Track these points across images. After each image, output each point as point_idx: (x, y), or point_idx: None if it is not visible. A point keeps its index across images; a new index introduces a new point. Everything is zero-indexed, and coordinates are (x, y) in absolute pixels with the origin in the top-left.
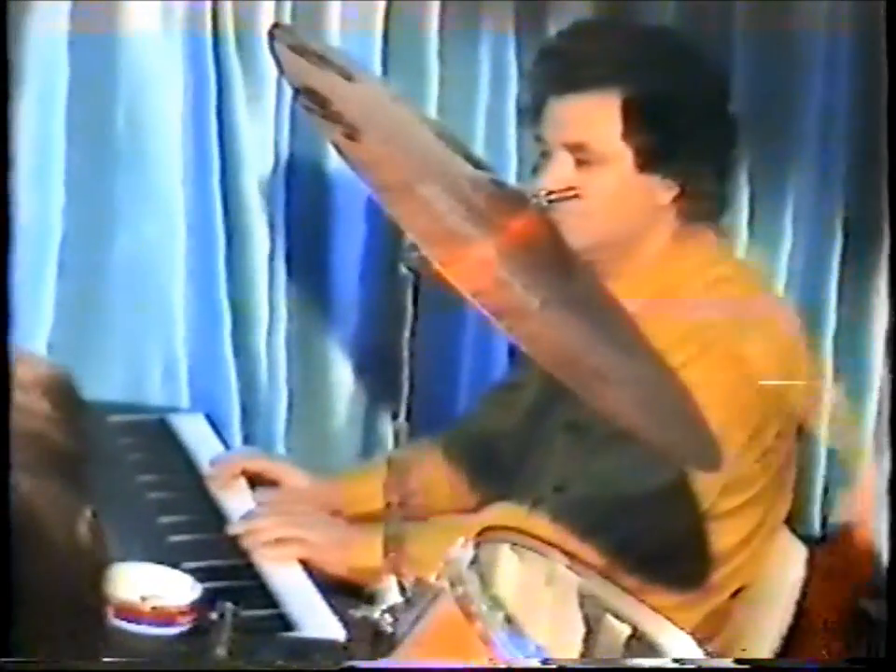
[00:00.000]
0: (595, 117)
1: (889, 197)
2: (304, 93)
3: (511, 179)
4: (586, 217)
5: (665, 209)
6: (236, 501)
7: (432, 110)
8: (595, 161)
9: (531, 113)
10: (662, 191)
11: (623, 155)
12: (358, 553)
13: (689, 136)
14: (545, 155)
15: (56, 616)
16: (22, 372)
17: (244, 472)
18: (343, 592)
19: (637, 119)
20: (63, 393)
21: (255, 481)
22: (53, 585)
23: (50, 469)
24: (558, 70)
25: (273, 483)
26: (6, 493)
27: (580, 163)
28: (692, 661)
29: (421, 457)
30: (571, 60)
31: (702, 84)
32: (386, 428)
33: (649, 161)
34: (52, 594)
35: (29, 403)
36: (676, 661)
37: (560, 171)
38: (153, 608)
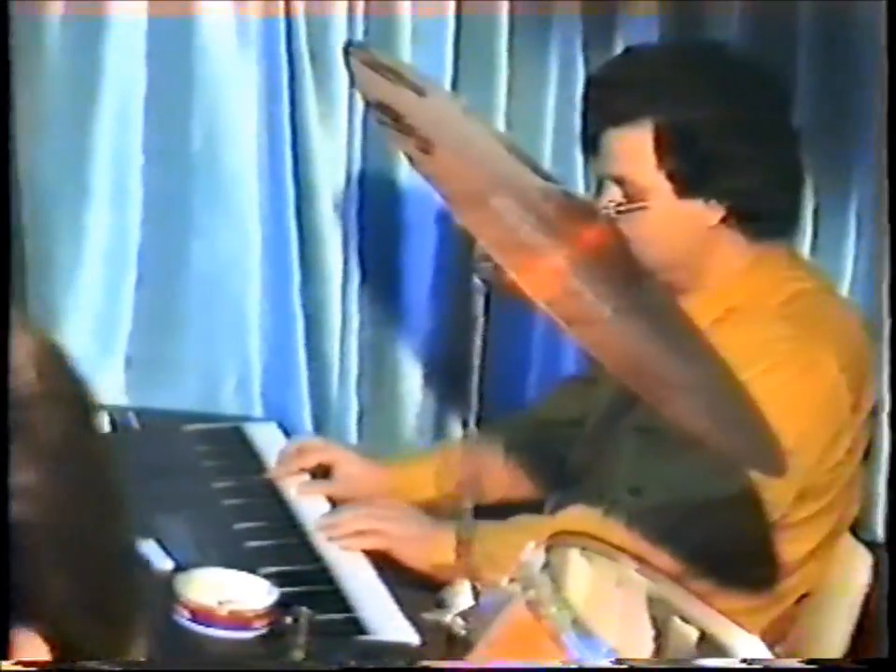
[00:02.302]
0: (630, 151)
1: (890, 197)
2: (378, 108)
3: (579, 191)
4: (641, 243)
5: (720, 229)
6: (310, 505)
7: (501, 124)
8: (636, 194)
9: (588, 141)
10: (708, 213)
11: (661, 185)
12: (438, 549)
13: (730, 156)
14: (599, 183)
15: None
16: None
17: (303, 462)
18: (417, 591)
19: (669, 146)
20: (56, 347)
21: (314, 471)
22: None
23: (87, 417)
24: (600, 102)
25: (328, 470)
26: (5, 492)
27: (626, 195)
28: (759, 661)
29: (479, 448)
30: (610, 91)
31: (753, 100)
32: (456, 434)
33: (685, 187)
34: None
35: (45, 372)
36: (743, 661)
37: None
38: (230, 612)
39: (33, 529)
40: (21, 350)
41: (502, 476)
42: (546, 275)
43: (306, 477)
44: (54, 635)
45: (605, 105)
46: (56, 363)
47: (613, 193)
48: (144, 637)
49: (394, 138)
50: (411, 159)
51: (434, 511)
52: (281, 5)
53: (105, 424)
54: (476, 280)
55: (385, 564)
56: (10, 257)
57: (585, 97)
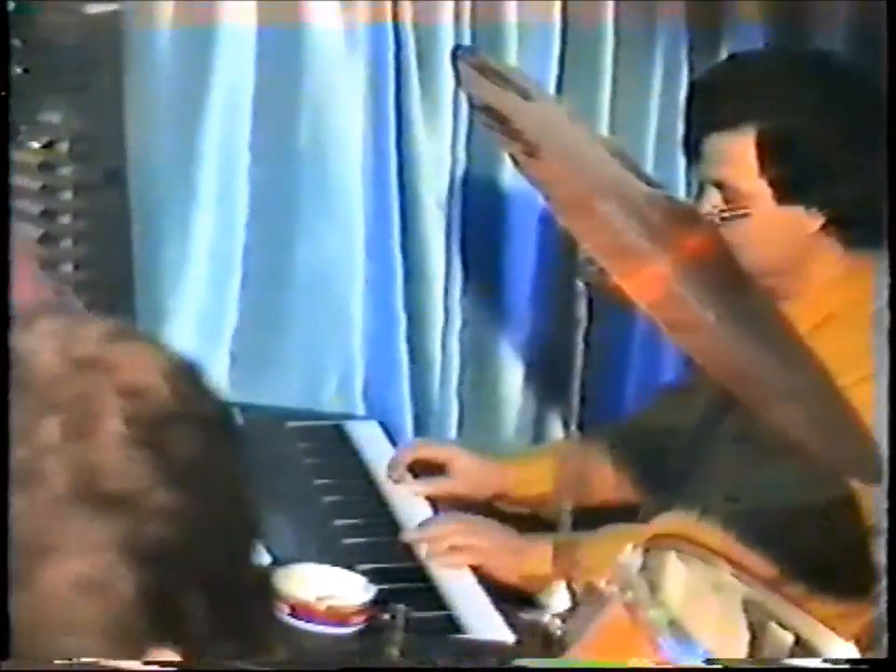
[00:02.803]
0: (733, 155)
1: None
2: (485, 111)
3: (681, 197)
4: (742, 249)
5: (819, 236)
6: (409, 505)
7: (604, 128)
8: (737, 199)
9: (690, 146)
10: (808, 220)
11: (762, 191)
12: (530, 562)
13: (831, 164)
14: (700, 187)
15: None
16: (171, 362)
17: (414, 462)
18: (512, 596)
19: (770, 153)
20: (199, 370)
21: (424, 470)
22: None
23: (220, 437)
24: (704, 107)
25: (441, 469)
26: (5, 495)
27: (726, 200)
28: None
29: (588, 448)
30: (714, 97)
31: (856, 108)
32: (555, 436)
33: (786, 193)
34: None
35: (185, 385)
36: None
37: (709, 206)
38: (328, 607)
39: (169, 549)
40: (155, 369)
41: (607, 479)
42: (650, 280)
43: (409, 478)
44: (194, 654)
45: (709, 111)
46: (192, 383)
47: (714, 198)
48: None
49: (500, 141)
50: (517, 162)
51: (549, 506)
52: (389, 10)
53: (242, 445)
54: (579, 283)
55: (478, 575)
56: (10, 256)
57: (689, 102)
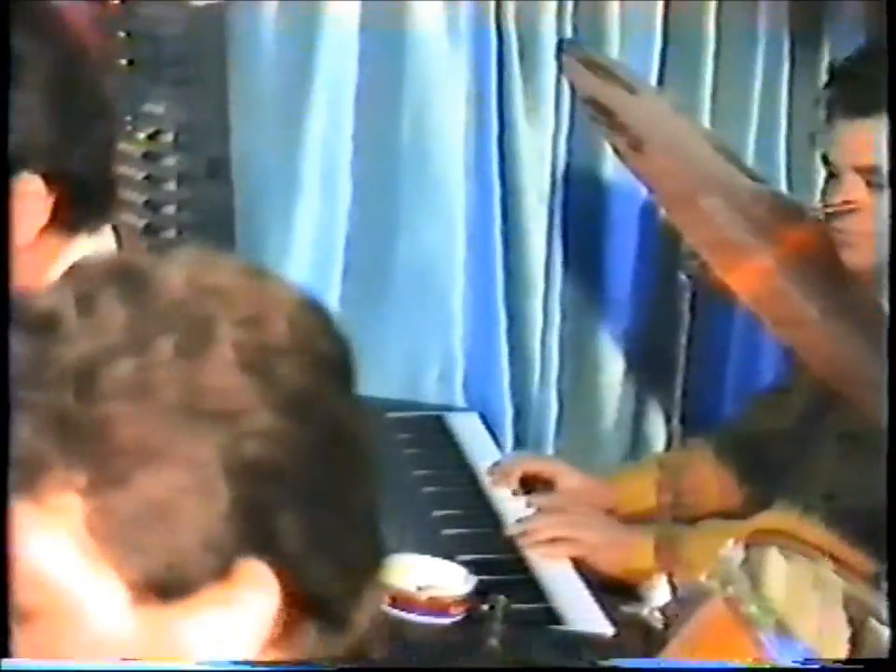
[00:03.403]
0: (873, 141)
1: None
2: (590, 105)
3: (785, 192)
4: (876, 236)
5: None
6: (507, 497)
7: (706, 121)
8: (886, 185)
9: (820, 134)
10: None
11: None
12: (632, 555)
13: None
14: (833, 176)
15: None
16: (292, 298)
17: (522, 474)
18: (612, 589)
19: None
20: (323, 309)
21: (530, 483)
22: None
23: (335, 374)
24: (850, 94)
25: (547, 483)
26: (5, 495)
27: (870, 185)
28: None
29: (692, 457)
30: (863, 83)
31: None
32: (654, 430)
33: None
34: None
35: (306, 323)
36: None
37: (853, 193)
38: (429, 598)
39: (266, 469)
40: (275, 304)
41: (711, 487)
42: (753, 274)
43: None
44: (288, 571)
45: (857, 96)
46: (311, 321)
47: (854, 183)
48: (379, 598)
49: (605, 135)
50: (621, 155)
51: (652, 524)
52: (492, 7)
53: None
54: (682, 277)
55: (579, 566)
56: (9, 256)
57: (826, 88)
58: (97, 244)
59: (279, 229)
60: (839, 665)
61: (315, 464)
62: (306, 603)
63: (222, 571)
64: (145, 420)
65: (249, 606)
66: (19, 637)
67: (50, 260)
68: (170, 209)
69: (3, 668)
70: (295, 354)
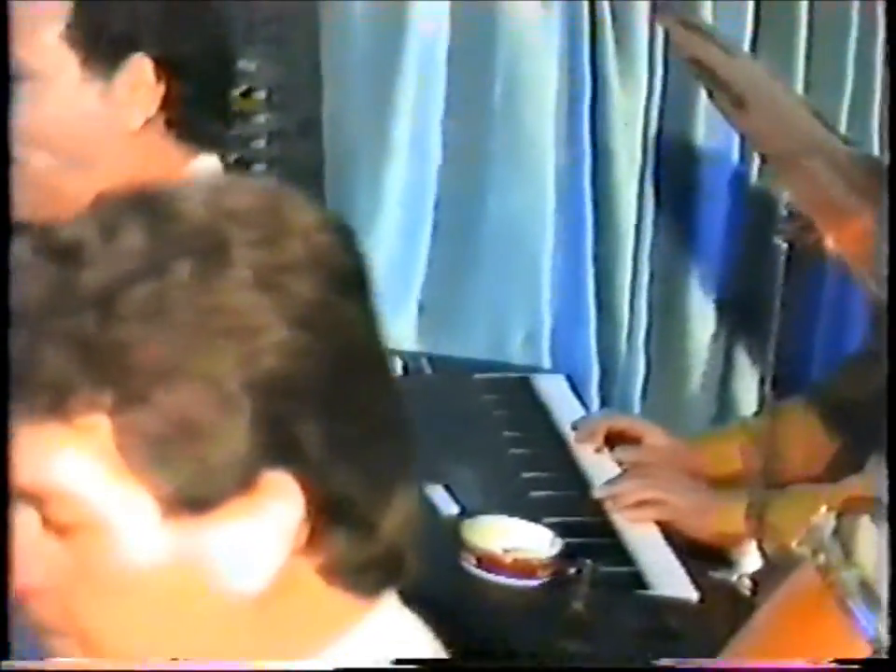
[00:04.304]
0: None
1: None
2: (692, 63)
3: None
4: None
5: None
6: (595, 460)
7: (799, 89)
8: None
9: None
10: None
11: None
12: (720, 519)
13: None
14: None
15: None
16: (309, 217)
17: (607, 432)
18: (700, 554)
19: None
20: (342, 226)
21: (615, 442)
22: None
23: (352, 289)
24: None
25: (633, 442)
26: (5, 496)
27: None
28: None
29: (781, 421)
30: None
31: None
32: (741, 393)
33: None
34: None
35: (322, 240)
36: None
37: None
38: (515, 559)
39: (285, 381)
40: (292, 224)
41: (803, 447)
42: (856, 237)
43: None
44: (311, 480)
45: None
46: (327, 237)
47: None
48: (409, 505)
49: (708, 93)
50: (724, 113)
51: (738, 485)
52: None
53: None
54: (777, 240)
55: (666, 531)
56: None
57: None
58: (205, 163)
59: (369, 189)
60: (839, 665)
61: (333, 375)
62: (332, 510)
63: (246, 483)
64: (164, 340)
65: (274, 515)
66: (57, 554)
67: (153, 158)
68: (260, 167)
69: (3, 669)
70: (310, 271)
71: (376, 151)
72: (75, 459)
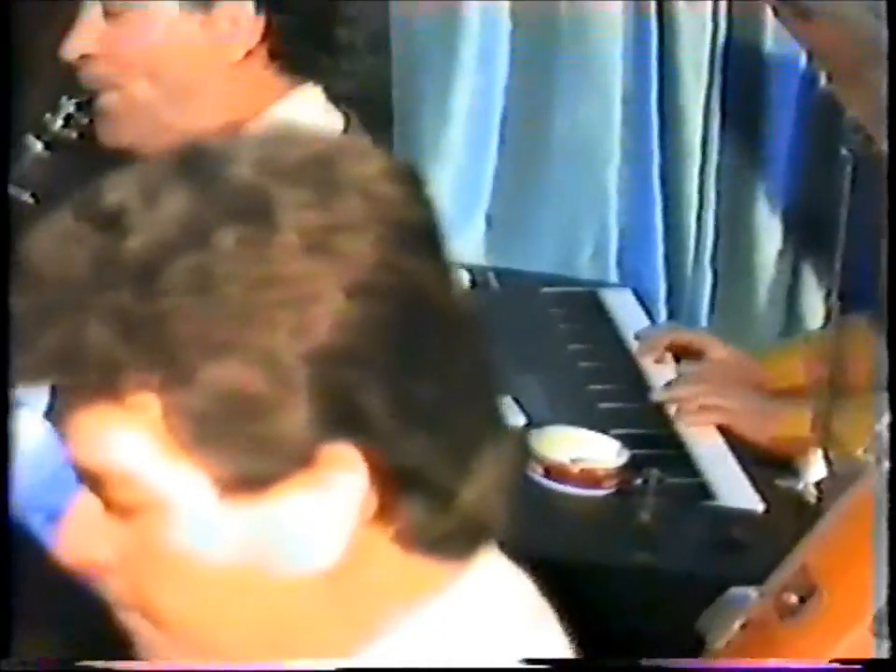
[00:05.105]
0: None
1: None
2: None
3: None
4: None
5: None
6: (661, 372)
7: None
8: None
9: None
10: None
11: None
12: (783, 424)
13: None
14: None
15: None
16: (370, 168)
17: (670, 345)
18: (766, 463)
19: None
20: (409, 175)
21: (679, 354)
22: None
23: (418, 244)
24: None
25: (696, 356)
26: (6, 497)
27: None
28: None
29: (846, 333)
30: None
31: None
32: (808, 308)
33: None
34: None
35: (384, 193)
36: None
37: None
38: (582, 469)
39: (343, 351)
40: (347, 178)
41: (868, 358)
42: None
43: (668, 355)
44: (378, 450)
45: None
46: (389, 190)
47: None
48: (494, 472)
49: (773, 11)
50: (788, 25)
51: (801, 397)
52: None
53: (446, 256)
54: (843, 151)
55: (731, 441)
56: (10, 254)
57: None
58: (306, 99)
59: (436, 103)
60: (839, 665)
61: (400, 339)
62: (403, 480)
63: (307, 457)
64: (210, 315)
65: (337, 488)
66: (122, 534)
67: (255, 90)
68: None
69: (3, 668)
70: (369, 229)
71: (444, 65)
72: (128, 439)
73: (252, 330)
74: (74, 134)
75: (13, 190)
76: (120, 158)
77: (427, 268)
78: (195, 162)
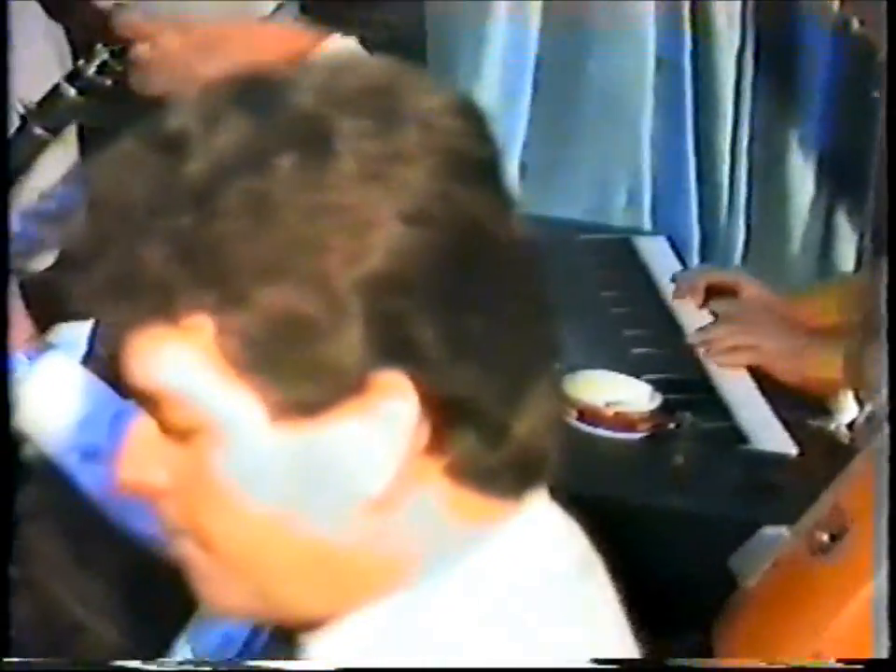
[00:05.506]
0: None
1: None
2: None
3: None
4: None
5: None
6: (694, 318)
7: None
8: None
9: None
10: None
11: None
12: (815, 364)
13: None
14: None
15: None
16: (432, 100)
17: (707, 285)
18: (797, 406)
19: None
20: (471, 109)
21: (713, 295)
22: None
23: (476, 177)
24: None
25: (731, 295)
26: (8, 499)
27: None
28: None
29: (879, 275)
30: None
31: None
32: (841, 255)
33: None
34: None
35: (444, 125)
36: None
37: None
38: (616, 413)
39: (397, 279)
40: (407, 108)
41: None
42: None
43: (700, 300)
44: (429, 380)
45: None
46: (449, 122)
47: None
48: (547, 405)
49: None
50: None
51: (836, 336)
52: None
53: (505, 189)
54: (875, 95)
55: (762, 384)
56: (10, 254)
57: None
58: (339, 49)
59: (470, 49)
60: (839, 665)
61: (454, 270)
62: (455, 411)
63: (358, 383)
64: (266, 238)
65: (388, 415)
66: (176, 457)
67: (286, 41)
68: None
69: (3, 668)
70: (426, 159)
71: (478, 12)
72: (183, 360)
73: (306, 255)
74: (108, 82)
75: (39, 132)
76: (152, 106)
77: (485, 201)
78: (257, 90)
